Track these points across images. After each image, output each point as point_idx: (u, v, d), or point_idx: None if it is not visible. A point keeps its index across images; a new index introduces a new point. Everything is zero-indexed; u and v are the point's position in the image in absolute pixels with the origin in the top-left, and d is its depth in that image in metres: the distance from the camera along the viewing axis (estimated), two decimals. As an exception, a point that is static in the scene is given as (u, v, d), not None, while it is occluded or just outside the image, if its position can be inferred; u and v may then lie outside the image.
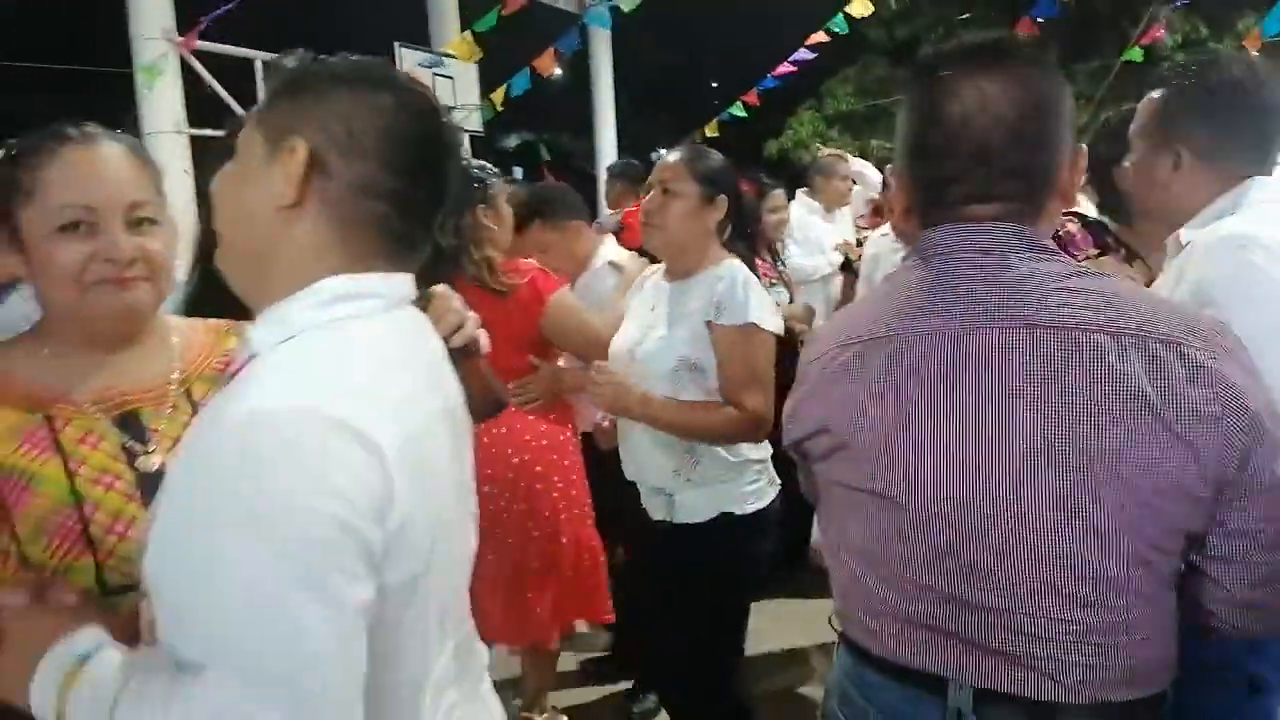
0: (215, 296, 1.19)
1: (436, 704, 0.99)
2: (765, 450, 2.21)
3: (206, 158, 1.65)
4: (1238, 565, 1.18)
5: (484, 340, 1.46)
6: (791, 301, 3.88)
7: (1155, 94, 1.74)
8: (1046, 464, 1.14)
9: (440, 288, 1.39)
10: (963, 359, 1.18)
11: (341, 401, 0.85)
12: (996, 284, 1.19)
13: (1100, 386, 1.12)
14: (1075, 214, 2.21)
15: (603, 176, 8.22)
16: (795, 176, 5.21)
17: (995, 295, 1.18)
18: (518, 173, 13.56)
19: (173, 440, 1.20)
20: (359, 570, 0.82)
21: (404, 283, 0.99)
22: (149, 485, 1.15)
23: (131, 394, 1.22)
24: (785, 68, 8.89)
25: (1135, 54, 8.28)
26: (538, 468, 2.61)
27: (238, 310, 1.14)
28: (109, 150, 1.19)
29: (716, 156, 2.23)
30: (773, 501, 2.21)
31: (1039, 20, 7.69)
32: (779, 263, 4.03)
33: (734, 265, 2.20)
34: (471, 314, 1.44)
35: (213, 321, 1.35)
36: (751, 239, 3.66)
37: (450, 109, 8.78)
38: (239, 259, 0.99)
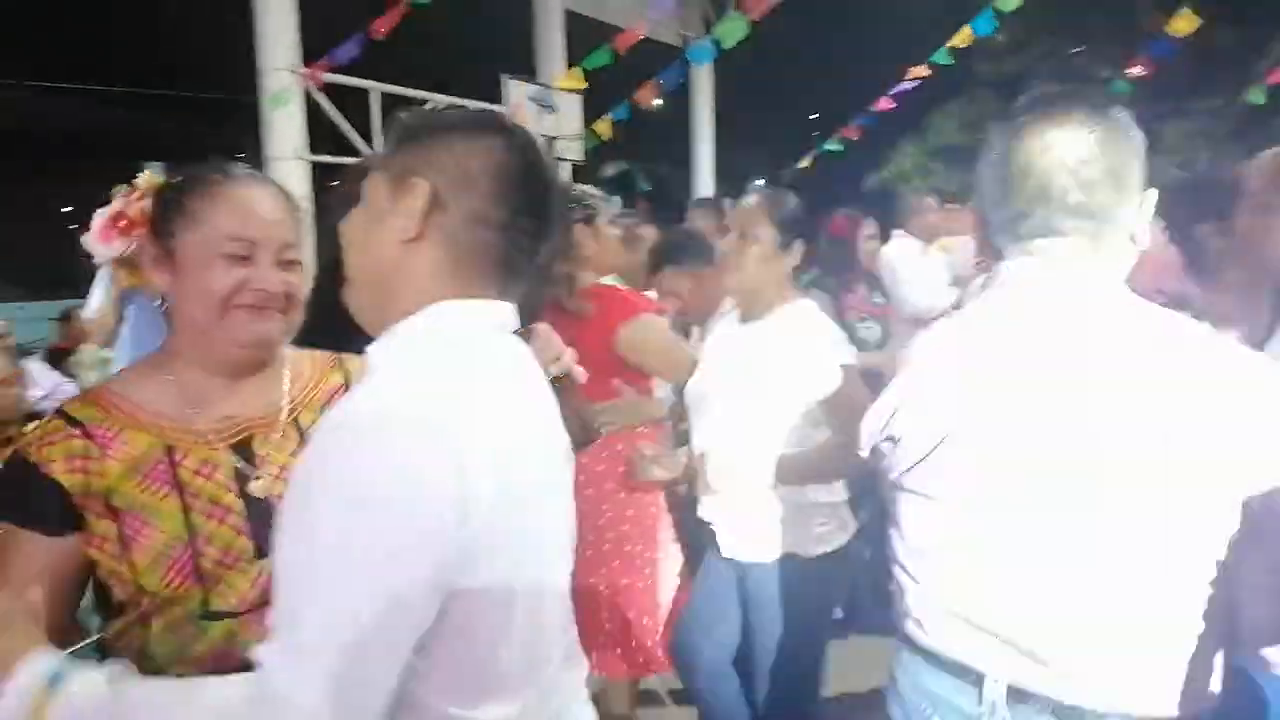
0: (325, 325, 1.31)
1: (542, 710, 1.06)
2: (837, 494, 2.22)
3: (330, 201, 1.77)
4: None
5: (579, 373, 1.52)
6: (886, 336, 3.84)
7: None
8: (1076, 479, 1.24)
9: (543, 326, 1.47)
10: (1010, 376, 1.31)
11: (426, 403, 0.91)
12: (1056, 311, 1.30)
13: (1140, 413, 1.21)
14: None
15: (698, 208, 8.33)
16: (894, 211, 5.13)
17: (1054, 322, 1.30)
18: (616, 202, 13.76)
19: (280, 467, 1.25)
20: (423, 563, 0.87)
21: (508, 311, 1.07)
22: (257, 513, 1.21)
23: (246, 422, 1.27)
24: (885, 103, 8.81)
25: (1258, 95, 7.94)
26: (605, 506, 2.65)
27: (344, 340, 1.24)
28: (267, 192, 1.28)
29: (794, 201, 2.26)
30: (842, 546, 2.21)
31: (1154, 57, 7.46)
32: (875, 296, 3.98)
33: (812, 305, 2.23)
34: (568, 349, 1.51)
35: (319, 354, 1.41)
36: (845, 274, 3.66)
37: (553, 139, 9.05)
38: (365, 290, 1.08)
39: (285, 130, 6.39)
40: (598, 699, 3.04)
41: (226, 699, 0.84)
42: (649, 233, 3.55)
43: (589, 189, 3.12)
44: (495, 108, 9.16)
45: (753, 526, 2.19)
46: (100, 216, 1.31)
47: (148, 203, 1.27)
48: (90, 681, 0.89)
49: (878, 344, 3.75)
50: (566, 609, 1.16)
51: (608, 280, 2.92)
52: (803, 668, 2.23)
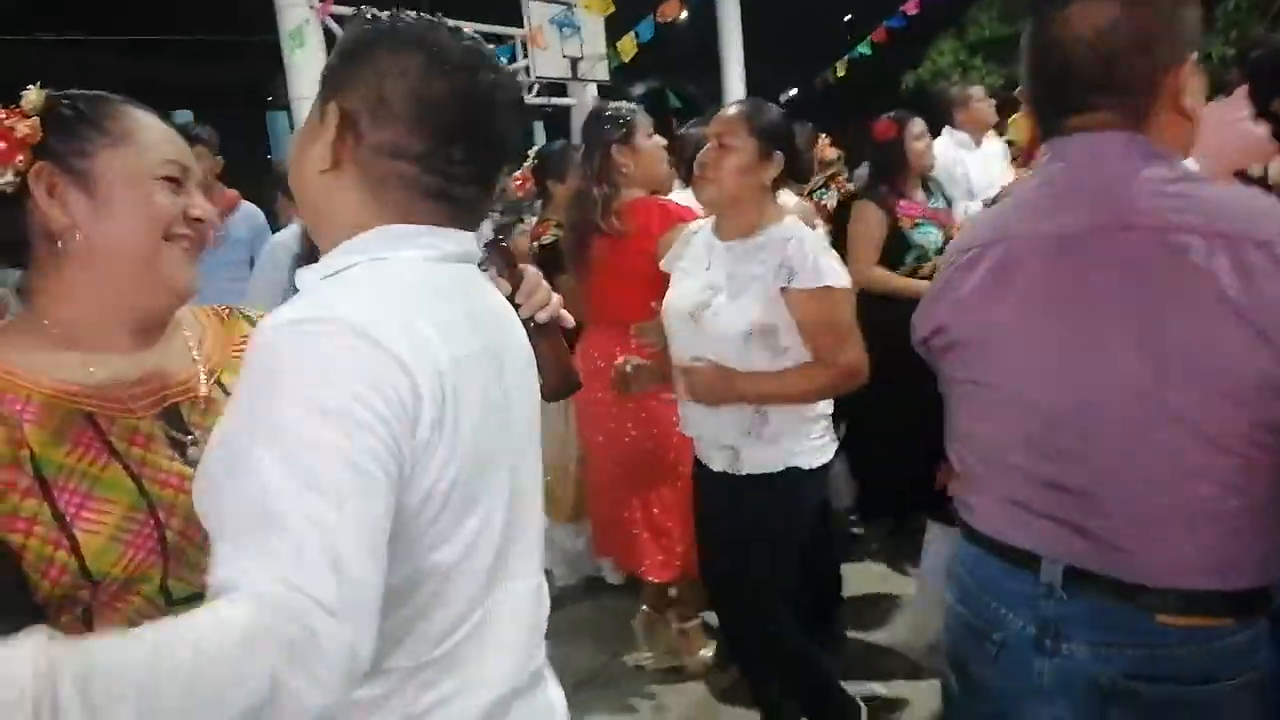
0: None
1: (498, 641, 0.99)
2: (829, 406, 2.25)
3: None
4: None
5: (567, 318, 1.47)
6: (945, 241, 3.71)
7: None
8: (1130, 355, 1.22)
9: (532, 269, 1.39)
10: (1056, 260, 1.29)
11: (366, 314, 0.87)
12: (1094, 188, 1.29)
13: (1183, 285, 1.18)
14: None
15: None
16: (936, 111, 4.95)
17: (1092, 198, 1.29)
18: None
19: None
20: (383, 459, 0.83)
21: (460, 239, 1.01)
22: None
23: (167, 389, 1.13)
24: (914, 4, 8.46)
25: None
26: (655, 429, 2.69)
27: None
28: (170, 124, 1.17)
29: (775, 111, 2.22)
30: (832, 458, 2.26)
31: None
32: (933, 198, 3.83)
33: (795, 224, 2.21)
34: (556, 295, 1.43)
35: (209, 307, 1.27)
36: (896, 176, 3.54)
37: (577, 60, 8.83)
38: (306, 215, 1.05)
39: (306, 69, 6.31)
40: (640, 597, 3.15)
41: (221, 643, 0.69)
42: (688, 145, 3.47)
43: (623, 104, 3.05)
44: (518, 31, 8.97)
45: (749, 443, 2.22)
46: None
47: (36, 122, 1.05)
48: (28, 651, 0.67)
49: (936, 249, 3.63)
50: (533, 544, 1.08)
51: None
52: (786, 569, 2.30)
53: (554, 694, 1.13)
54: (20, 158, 1.04)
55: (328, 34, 7.58)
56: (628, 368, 2.33)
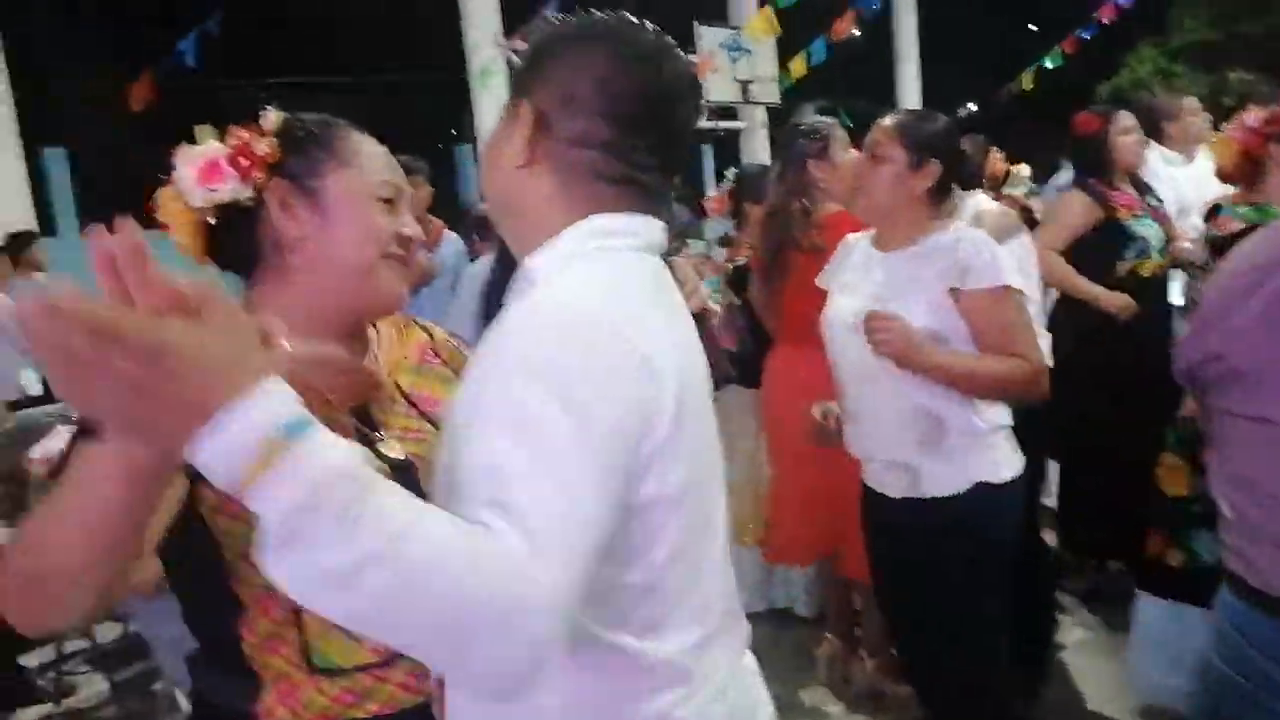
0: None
1: (705, 649, 0.98)
2: (1009, 416, 2.08)
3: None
4: None
5: (715, 310, 1.43)
6: (1169, 241, 3.37)
7: None
8: None
9: (680, 260, 1.40)
10: None
11: (612, 309, 0.89)
12: None
13: None
14: None
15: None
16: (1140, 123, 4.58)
17: None
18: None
19: (401, 429, 1.17)
20: (628, 460, 0.85)
21: (658, 229, 1.02)
22: (400, 478, 0.90)
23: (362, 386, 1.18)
24: (1109, 10, 7.94)
25: None
26: None
27: None
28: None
29: (933, 119, 2.10)
30: (1021, 472, 2.07)
31: None
32: (1148, 196, 3.47)
33: (963, 227, 2.04)
34: (704, 286, 1.43)
35: (390, 317, 1.30)
36: (1101, 176, 3.27)
37: (748, 84, 8.80)
38: (500, 215, 1.07)
39: (495, 104, 6.64)
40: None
41: (451, 541, 0.71)
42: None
43: (821, 119, 3.02)
44: (691, 58, 9.11)
45: (926, 459, 2.06)
46: (200, 156, 1.11)
47: (274, 142, 1.12)
48: (343, 448, 0.69)
49: (1160, 248, 3.29)
50: (725, 554, 1.06)
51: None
52: (986, 601, 2.07)
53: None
54: (259, 175, 1.11)
55: (511, 69, 7.96)
56: (829, 421, 2.24)
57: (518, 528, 0.74)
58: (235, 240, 1.13)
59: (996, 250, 1.98)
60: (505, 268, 1.62)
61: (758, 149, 12.36)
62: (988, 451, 2.03)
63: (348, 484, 0.67)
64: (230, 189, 1.10)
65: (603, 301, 0.91)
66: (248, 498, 0.65)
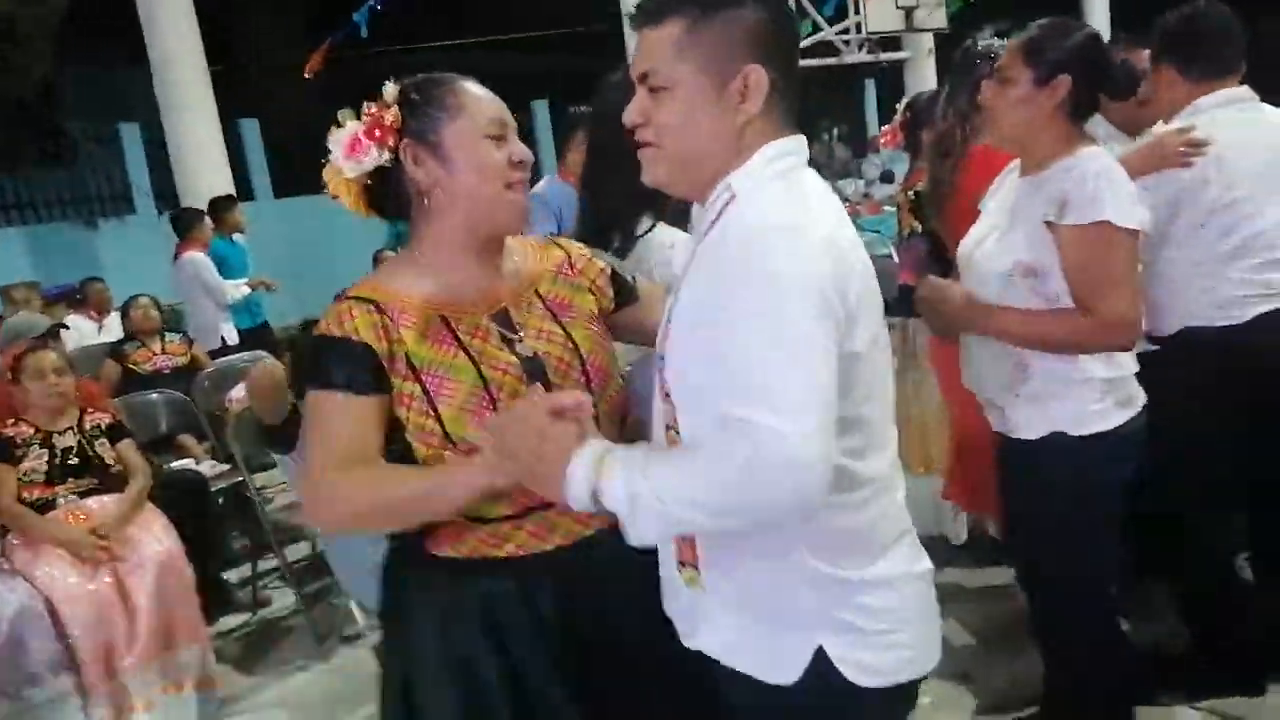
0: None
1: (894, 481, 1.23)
2: (1119, 368, 1.92)
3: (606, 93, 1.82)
4: None
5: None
6: None
7: None
8: None
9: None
10: None
11: (813, 216, 1.11)
12: None
13: None
14: None
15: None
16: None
17: None
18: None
19: (535, 330, 1.39)
20: (836, 327, 1.06)
21: (805, 144, 1.21)
22: (529, 367, 1.35)
23: (501, 295, 1.40)
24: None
25: None
26: None
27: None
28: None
29: (1066, 31, 1.92)
30: (1123, 424, 1.91)
31: None
32: None
33: (1090, 154, 1.85)
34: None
35: (530, 237, 1.53)
36: None
37: (911, 9, 8.36)
38: (681, 162, 1.18)
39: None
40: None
41: (721, 465, 1.01)
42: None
43: (996, 40, 2.83)
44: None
45: (1011, 401, 1.95)
46: (344, 136, 1.35)
47: (397, 110, 1.34)
48: (627, 449, 1.12)
49: None
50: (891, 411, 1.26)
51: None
52: (1074, 551, 1.98)
53: None
54: (391, 140, 1.33)
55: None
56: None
57: (784, 414, 0.98)
58: (387, 194, 1.38)
59: (1107, 183, 1.79)
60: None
61: (924, 81, 11.72)
62: (1072, 401, 1.89)
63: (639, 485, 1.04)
64: (371, 157, 1.33)
65: (802, 208, 1.11)
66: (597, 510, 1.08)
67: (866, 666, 1.17)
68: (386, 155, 1.34)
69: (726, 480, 1.01)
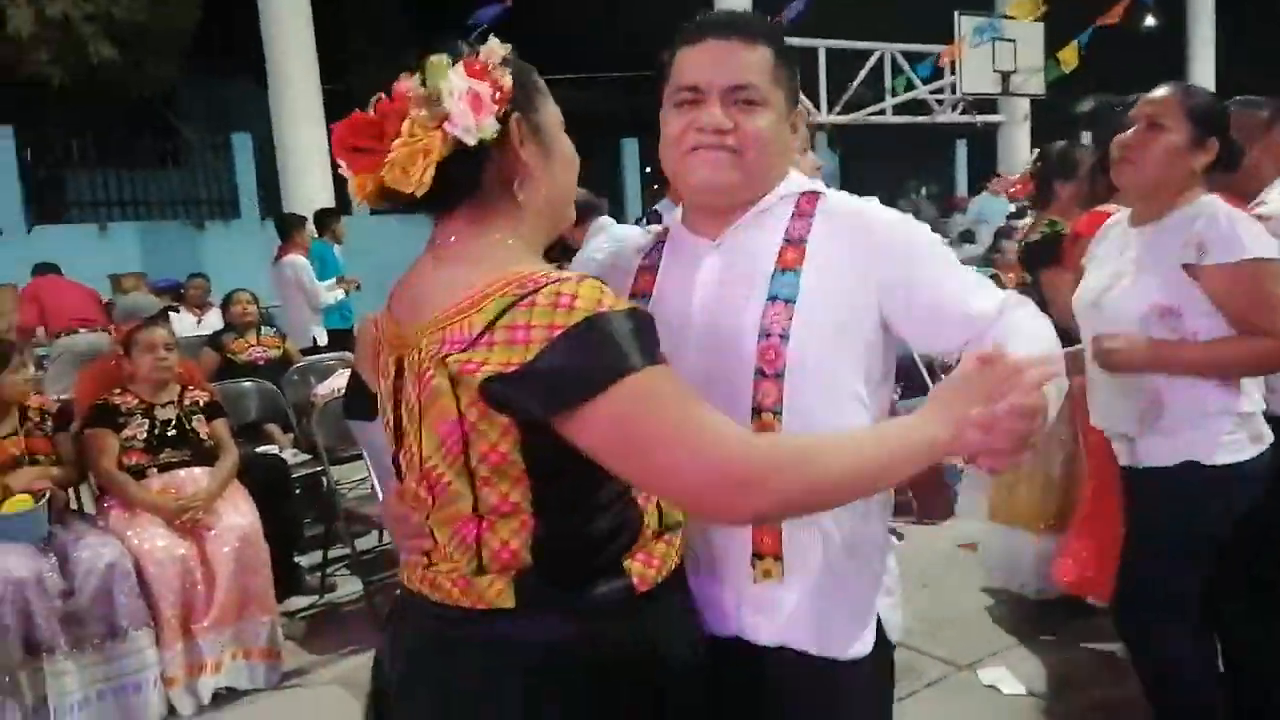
0: None
1: None
2: (1253, 403, 1.99)
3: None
4: None
5: None
6: None
7: None
8: None
9: None
10: None
11: None
12: None
13: None
14: None
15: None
16: None
17: None
18: (1086, 138, 12.39)
19: None
20: None
21: None
22: None
23: None
24: None
25: None
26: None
27: None
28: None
29: (1211, 95, 1.99)
30: (1255, 457, 1.97)
31: None
32: None
33: (1211, 200, 1.93)
34: None
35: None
36: None
37: (1008, 74, 8.37)
38: (762, 169, 1.27)
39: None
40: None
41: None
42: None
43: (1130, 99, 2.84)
44: (939, 48, 8.79)
45: (1144, 432, 2.02)
46: (459, 89, 1.04)
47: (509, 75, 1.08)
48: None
49: None
50: None
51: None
52: (1190, 579, 2.03)
53: None
54: (503, 109, 1.06)
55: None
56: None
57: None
58: (463, 178, 1.06)
59: (1238, 223, 1.88)
60: None
61: (1017, 146, 11.66)
62: (1206, 432, 1.97)
63: None
64: (489, 124, 1.05)
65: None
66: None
67: (895, 626, 1.26)
68: (495, 125, 1.05)
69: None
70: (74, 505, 3.22)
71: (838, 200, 1.28)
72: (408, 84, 1.05)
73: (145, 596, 2.80)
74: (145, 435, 3.10)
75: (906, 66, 9.27)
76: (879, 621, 1.23)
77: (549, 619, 1.03)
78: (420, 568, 1.11)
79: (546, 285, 0.98)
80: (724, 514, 1.02)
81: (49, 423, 3.07)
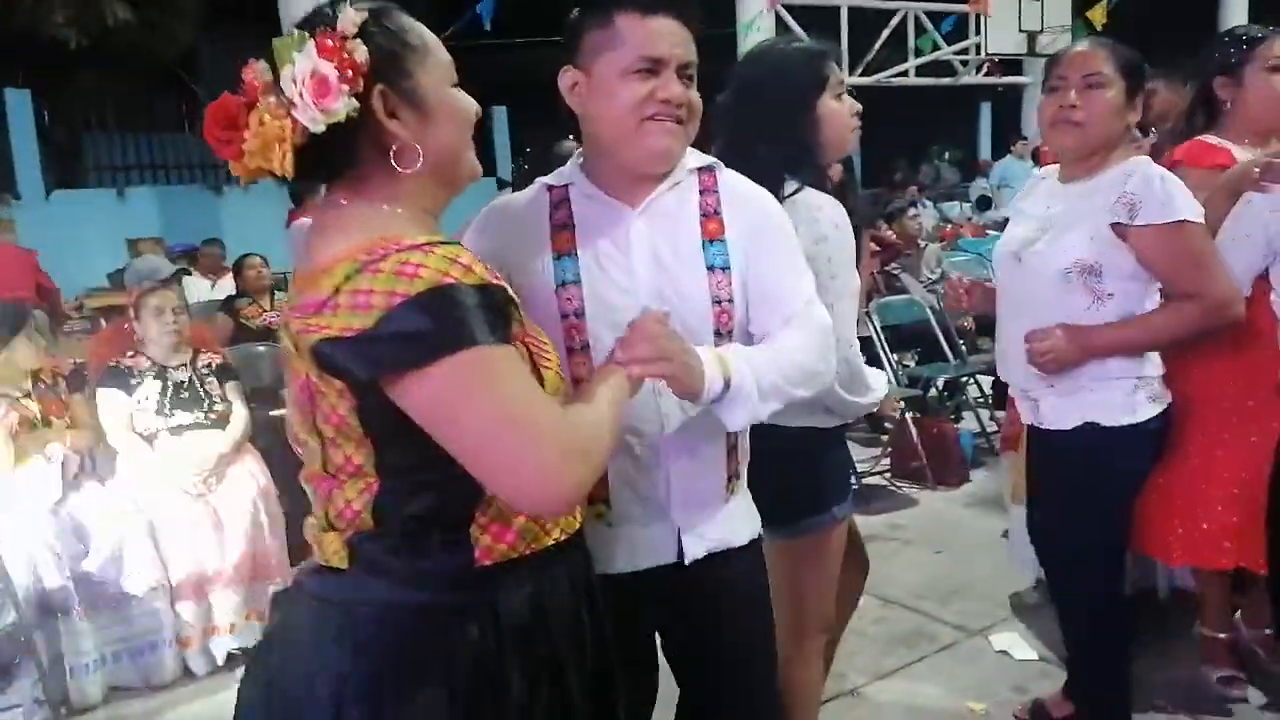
0: None
1: None
2: (1154, 366, 2.03)
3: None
4: None
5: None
6: None
7: None
8: None
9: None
10: None
11: None
12: None
13: None
14: None
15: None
16: None
17: None
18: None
19: None
20: None
21: None
22: None
23: None
24: None
25: None
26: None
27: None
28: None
29: (1133, 50, 1.95)
30: (1151, 419, 2.01)
31: None
32: None
33: (1145, 160, 1.94)
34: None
35: None
36: None
37: (1035, 34, 8.19)
38: (690, 139, 1.39)
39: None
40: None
41: (801, 348, 1.37)
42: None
43: (1253, 27, 2.71)
44: (964, 7, 8.59)
45: (1044, 392, 2.06)
46: (304, 71, 1.00)
47: (363, 45, 1.02)
48: (738, 357, 1.30)
49: None
50: None
51: None
52: (1095, 539, 2.10)
53: None
54: (359, 85, 1.02)
55: (778, 22, 7.94)
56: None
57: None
58: (332, 154, 1.04)
59: (1171, 184, 1.88)
60: None
61: (1043, 107, 11.45)
62: (1106, 394, 2.01)
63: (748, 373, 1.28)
64: (341, 105, 1.01)
65: None
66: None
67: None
68: (352, 103, 1.01)
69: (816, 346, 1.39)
70: (88, 468, 3.25)
71: (731, 177, 1.43)
72: (254, 70, 1.03)
73: (159, 558, 2.82)
74: (158, 397, 3.11)
75: (930, 26, 9.08)
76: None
77: (378, 583, 1.04)
78: None
79: (396, 253, 0.97)
80: (532, 505, 1.03)
81: (61, 385, 3.09)
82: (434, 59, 1.11)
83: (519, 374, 1.01)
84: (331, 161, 1.06)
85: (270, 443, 3.41)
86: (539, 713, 1.09)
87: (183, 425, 3.10)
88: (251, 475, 3.07)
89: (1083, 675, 2.30)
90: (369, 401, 0.99)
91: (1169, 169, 2.15)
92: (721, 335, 1.35)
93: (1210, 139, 2.37)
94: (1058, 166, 2.11)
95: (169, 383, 3.14)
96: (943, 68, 9.42)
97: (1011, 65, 9.93)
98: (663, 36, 1.27)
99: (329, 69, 1.00)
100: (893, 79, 9.37)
